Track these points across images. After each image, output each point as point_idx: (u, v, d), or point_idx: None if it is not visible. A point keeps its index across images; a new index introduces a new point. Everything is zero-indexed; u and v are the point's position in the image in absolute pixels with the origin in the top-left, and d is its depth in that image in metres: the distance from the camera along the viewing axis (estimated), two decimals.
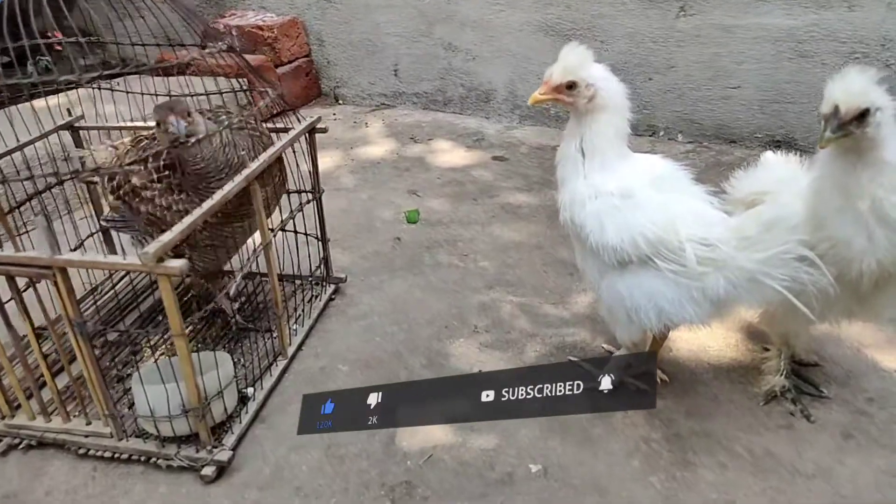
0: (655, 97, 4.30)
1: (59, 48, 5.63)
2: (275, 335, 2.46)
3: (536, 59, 4.58)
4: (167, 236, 1.78)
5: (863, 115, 1.63)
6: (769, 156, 2.24)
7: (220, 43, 2.45)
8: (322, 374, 2.44)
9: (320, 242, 2.79)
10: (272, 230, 2.36)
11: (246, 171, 2.13)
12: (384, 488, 1.96)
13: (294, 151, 2.56)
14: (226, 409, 2.08)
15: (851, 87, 1.66)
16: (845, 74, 1.69)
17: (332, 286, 2.88)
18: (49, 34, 5.64)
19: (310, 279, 2.80)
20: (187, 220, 1.87)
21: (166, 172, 2.21)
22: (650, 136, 4.40)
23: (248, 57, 4.96)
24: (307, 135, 2.64)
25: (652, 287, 1.93)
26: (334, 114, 5.13)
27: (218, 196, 1.99)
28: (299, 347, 2.55)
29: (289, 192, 2.61)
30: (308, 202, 2.64)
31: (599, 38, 4.30)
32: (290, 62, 5.17)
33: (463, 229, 3.40)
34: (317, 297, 2.79)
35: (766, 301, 1.94)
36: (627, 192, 1.92)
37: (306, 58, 5.32)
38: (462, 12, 4.71)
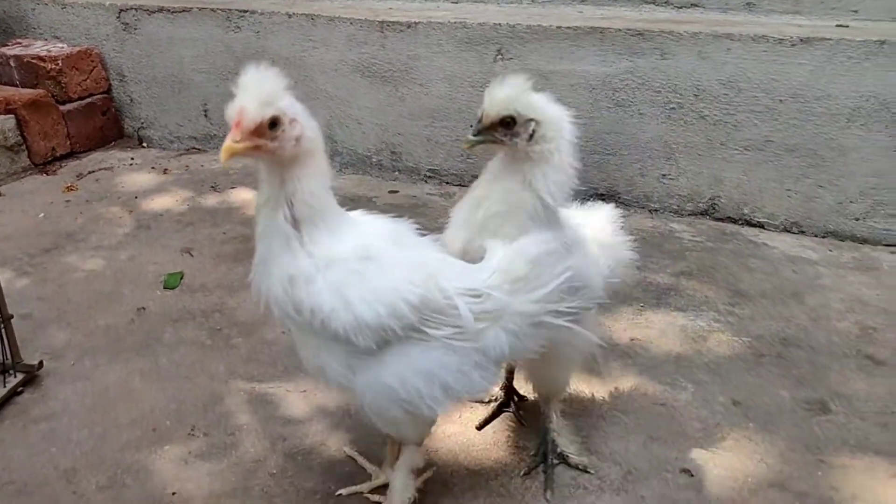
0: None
1: None
2: None
3: (355, 102, 4.17)
4: None
5: (507, 123, 1.60)
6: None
7: None
8: None
9: None
10: None
11: None
12: None
13: None
14: None
15: (496, 94, 1.62)
16: (500, 81, 1.64)
17: (20, 376, 2.23)
18: None
19: None
20: None
21: None
22: None
23: (23, 91, 4.29)
24: None
25: (427, 363, 1.51)
26: (132, 158, 4.49)
27: None
28: None
29: None
30: None
31: (418, 80, 3.94)
32: (81, 98, 4.51)
33: (229, 297, 2.85)
34: None
35: (549, 344, 1.67)
36: (366, 253, 1.50)
37: (104, 94, 4.67)
38: (272, 48, 4.25)
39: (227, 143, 1.37)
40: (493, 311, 1.56)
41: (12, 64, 4.42)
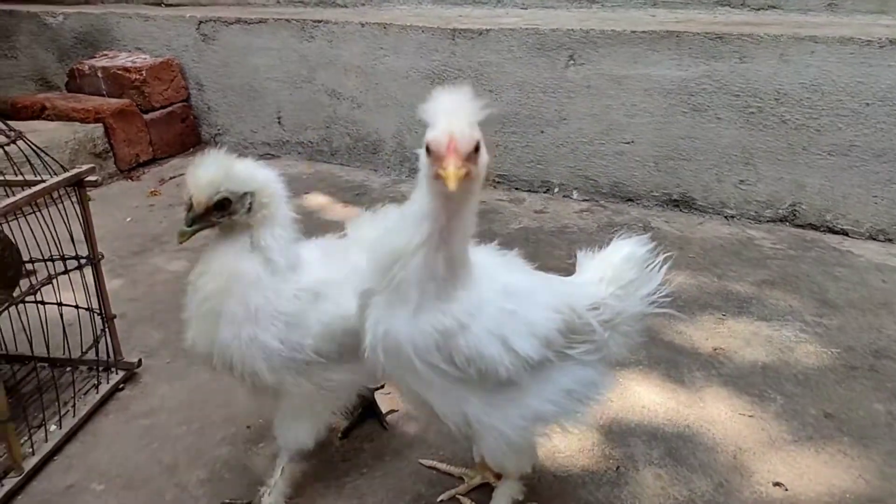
0: (549, 151, 3.96)
1: None
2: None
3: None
4: None
5: (222, 205, 1.55)
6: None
7: None
8: (66, 496, 1.90)
9: (101, 319, 2.28)
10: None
11: None
12: None
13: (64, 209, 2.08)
14: None
15: (202, 179, 1.54)
16: (200, 163, 1.56)
17: (120, 373, 2.35)
18: None
19: (85, 364, 2.27)
20: None
21: None
22: (545, 192, 4.05)
23: (110, 101, 4.50)
24: (75, 190, 2.13)
25: (568, 381, 1.57)
26: None
27: None
28: (51, 457, 2.01)
29: (46, 260, 2.11)
30: (73, 270, 2.14)
31: (488, 87, 3.97)
32: (163, 107, 4.71)
33: None
34: (96, 387, 2.26)
35: None
36: (506, 289, 1.48)
37: (183, 103, 4.87)
38: (344, 57, 4.35)
39: (451, 169, 1.22)
40: (611, 320, 1.60)
41: (100, 75, 4.65)
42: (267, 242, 1.60)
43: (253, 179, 1.59)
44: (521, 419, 1.52)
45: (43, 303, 2.14)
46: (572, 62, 3.76)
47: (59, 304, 2.16)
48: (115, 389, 2.31)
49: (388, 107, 4.34)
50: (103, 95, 4.65)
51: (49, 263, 2.12)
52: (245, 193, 1.57)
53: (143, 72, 4.56)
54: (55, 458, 2.02)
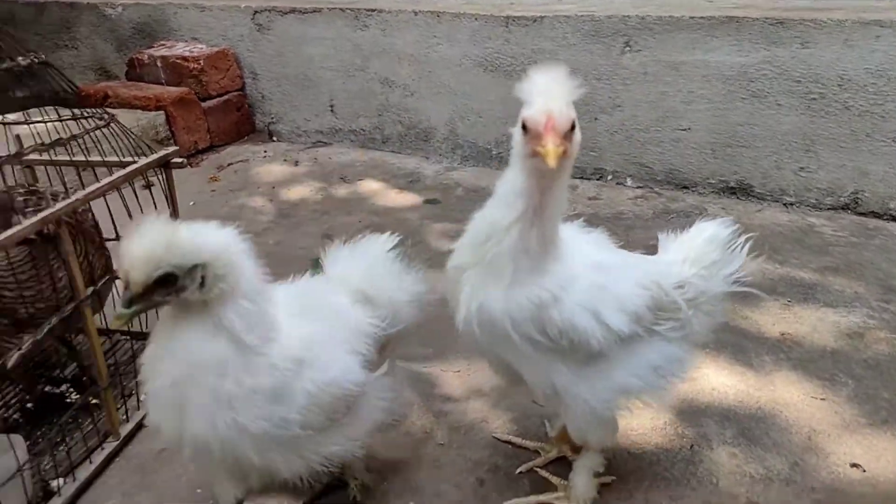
0: (602, 138, 3.97)
1: None
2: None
3: (477, 96, 4.26)
4: None
5: (166, 282, 1.29)
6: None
7: None
8: (159, 459, 1.99)
9: None
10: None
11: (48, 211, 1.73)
12: None
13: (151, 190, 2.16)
14: None
15: (137, 255, 1.27)
16: (137, 233, 1.28)
17: None
18: None
19: None
20: None
21: None
22: (597, 179, 4.06)
23: (170, 89, 4.63)
24: (162, 171, 2.22)
25: (655, 357, 1.62)
26: (265, 151, 4.76)
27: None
28: (141, 425, 2.11)
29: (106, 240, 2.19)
30: None
31: None
32: (219, 95, 4.82)
33: None
34: None
35: None
36: (599, 265, 1.54)
37: (238, 91, 4.97)
38: (398, 46, 4.40)
39: (551, 146, 1.27)
40: (694, 299, 1.63)
41: (159, 64, 4.77)
42: (230, 321, 1.35)
43: (202, 249, 1.31)
44: (608, 391, 1.56)
45: None
46: (628, 49, 3.75)
47: None
48: None
49: (440, 95, 4.38)
50: (162, 84, 4.77)
51: None
52: (194, 266, 1.30)
53: (201, 61, 4.67)
54: (145, 425, 2.11)
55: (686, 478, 1.89)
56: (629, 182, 3.99)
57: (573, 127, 1.34)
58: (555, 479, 1.86)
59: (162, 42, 5.06)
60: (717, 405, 2.16)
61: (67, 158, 2.06)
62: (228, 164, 4.53)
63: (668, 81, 3.70)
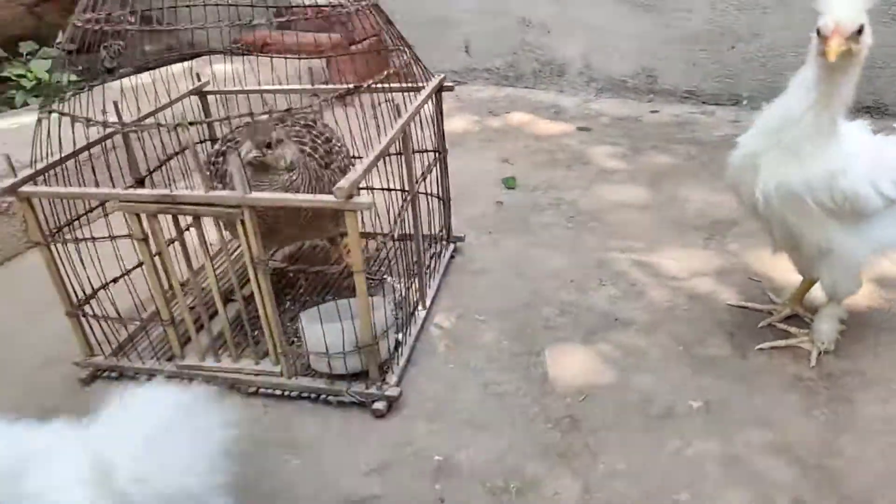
0: (739, 66, 4.31)
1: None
2: (404, 288, 2.51)
3: (613, 30, 4.60)
4: (353, 175, 1.85)
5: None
6: None
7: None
8: (461, 321, 2.50)
9: (442, 202, 2.85)
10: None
11: (402, 119, 2.21)
12: (549, 422, 2.02)
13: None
14: (389, 348, 2.16)
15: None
16: None
17: (451, 246, 2.93)
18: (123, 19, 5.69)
19: (433, 238, 2.86)
20: (367, 161, 1.95)
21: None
22: (732, 105, 4.41)
23: (324, 36, 5.05)
24: (434, 95, 2.68)
25: None
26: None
27: (385, 142, 2.08)
28: (432, 301, 2.61)
29: (414, 152, 2.66)
30: (435, 161, 2.71)
31: (681, 7, 4.31)
32: (361, 41, 5.24)
33: (563, 193, 3.45)
34: (439, 254, 2.85)
35: None
36: (872, 144, 1.99)
37: (376, 37, 5.38)
38: None
39: (833, 45, 1.66)
40: None
41: (309, 13, 5.18)
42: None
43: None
44: (870, 247, 2.01)
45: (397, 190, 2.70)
46: None
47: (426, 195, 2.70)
48: (451, 257, 2.90)
49: (577, 31, 4.73)
50: (310, 31, 5.20)
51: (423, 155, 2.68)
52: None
53: (348, 8, 5.07)
54: (434, 302, 2.62)
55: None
56: (764, 106, 4.32)
57: (860, 31, 1.73)
58: (793, 329, 2.32)
59: None
60: None
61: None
62: (379, 104, 4.96)
63: (807, 9, 3.99)
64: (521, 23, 4.91)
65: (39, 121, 2.03)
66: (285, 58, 2.98)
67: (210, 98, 2.93)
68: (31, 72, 4.69)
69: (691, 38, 4.36)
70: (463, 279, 2.76)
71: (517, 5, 4.86)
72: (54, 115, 2.03)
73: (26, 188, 1.97)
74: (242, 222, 1.89)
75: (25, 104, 4.47)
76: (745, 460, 1.85)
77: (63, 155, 2.06)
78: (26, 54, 5.24)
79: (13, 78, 4.65)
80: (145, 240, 1.99)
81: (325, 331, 1.99)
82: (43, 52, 5.25)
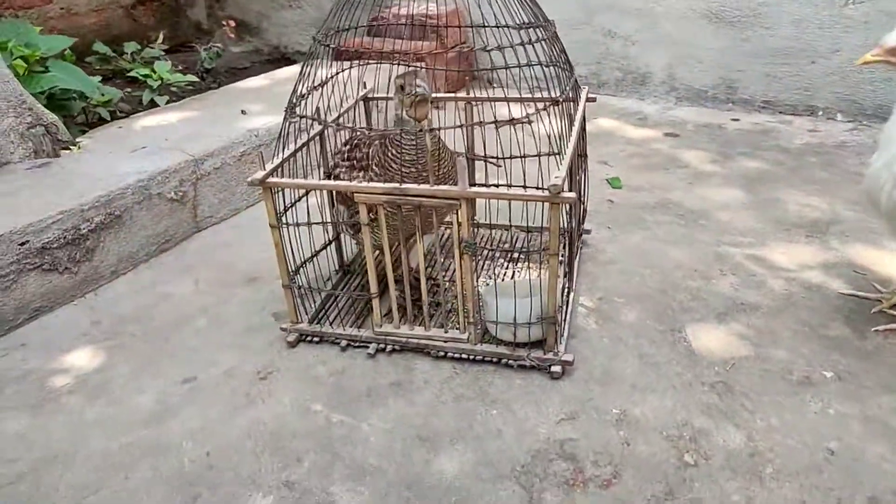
0: (817, 80, 4.63)
1: (231, 36, 6.14)
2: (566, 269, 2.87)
3: (697, 44, 4.94)
4: (561, 172, 2.22)
5: None
6: None
7: None
8: (603, 303, 2.86)
9: (579, 199, 3.20)
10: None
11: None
12: (705, 386, 2.37)
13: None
14: (559, 322, 2.52)
15: None
16: None
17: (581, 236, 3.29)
18: (223, 23, 6.22)
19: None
20: (565, 161, 2.31)
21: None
22: (808, 115, 4.74)
23: (418, 44, 5.44)
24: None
25: None
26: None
27: (571, 145, 2.44)
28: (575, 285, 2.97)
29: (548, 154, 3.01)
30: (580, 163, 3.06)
31: (765, 24, 4.64)
32: (451, 48, 5.61)
33: (667, 194, 3.79)
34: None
35: None
36: None
37: (463, 44, 5.76)
38: (623, 2, 5.09)
39: (867, 54, 2.42)
40: None
41: (404, 21, 5.57)
42: None
43: None
44: None
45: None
46: (852, 2, 4.38)
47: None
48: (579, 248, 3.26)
49: (661, 43, 5.08)
50: (403, 39, 5.58)
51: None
52: None
53: (442, 18, 5.45)
54: (575, 287, 2.97)
55: None
56: (839, 117, 4.66)
57: None
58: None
59: (395, 1, 5.85)
60: None
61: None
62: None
63: (888, 28, 4.31)
64: (606, 35, 5.26)
65: (284, 120, 2.42)
66: (433, 69, 3.27)
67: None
68: (156, 72, 5.11)
69: (772, 53, 4.69)
70: (595, 268, 3.12)
71: (603, 19, 5.21)
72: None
73: (271, 179, 2.36)
74: (457, 212, 2.26)
75: (152, 103, 4.87)
76: (882, 420, 2.19)
77: (293, 149, 2.45)
78: (131, 53, 5.69)
79: (140, 77, 5.07)
80: (369, 224, 2.36)
81: (518, 305, 2.35)
82: (146, 52, 5.71)
